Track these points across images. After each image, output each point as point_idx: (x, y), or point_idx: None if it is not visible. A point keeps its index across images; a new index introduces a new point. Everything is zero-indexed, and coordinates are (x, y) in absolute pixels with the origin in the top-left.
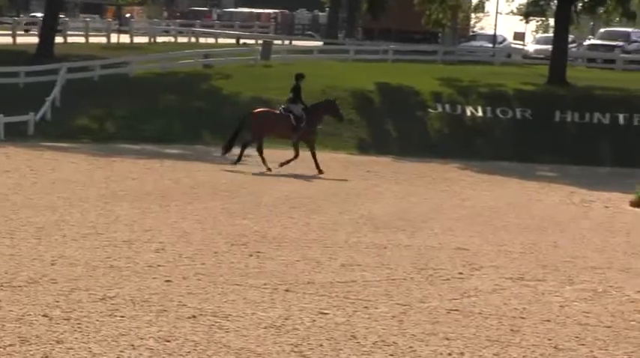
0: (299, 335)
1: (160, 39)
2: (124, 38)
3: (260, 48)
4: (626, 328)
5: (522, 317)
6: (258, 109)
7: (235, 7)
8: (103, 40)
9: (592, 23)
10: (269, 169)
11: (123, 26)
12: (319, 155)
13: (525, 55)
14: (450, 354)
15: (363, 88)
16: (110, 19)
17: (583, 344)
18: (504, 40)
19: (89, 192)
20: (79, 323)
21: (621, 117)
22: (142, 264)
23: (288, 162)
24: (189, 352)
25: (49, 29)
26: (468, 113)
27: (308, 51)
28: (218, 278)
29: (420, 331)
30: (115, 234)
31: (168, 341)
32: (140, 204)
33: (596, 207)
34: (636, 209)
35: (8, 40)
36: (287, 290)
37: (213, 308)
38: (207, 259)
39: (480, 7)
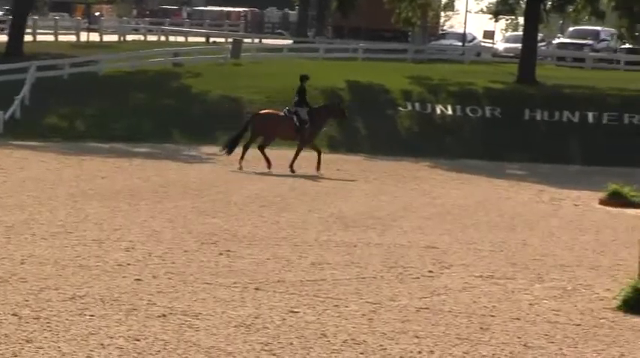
0: (269, 334)
1: (129, 37)
2: (94, 36)
3: (230, 46)
4: (595, 326)
5: (492, 315)
6: (262, 111)
7: (205, 6)
8: (73, 38)
9: (561, 22)
10: (269, 166)
11: (92, 24)
12: (289, 153)
13: (495, 54)
14: (419, 352)
15: (333, 86)
16: (79, 18)
17: (552, 342)
18: (474, 38)
19: (59, 191)
20: (48, 323)
21: (590, 116)
22: (111, 263)
23: (319, 163)
24: (159, 351)
25: (17, 27)
26: (438, 111)
27: (278, 49)
28: (188, 277)
29: (390, 329)
30: (84, 233)
31: (138, 340)
32: (110, 202)
33: (565, 205)
34: (605, 207)
35: None
36: (257, 289)
37: (183, 306)
38: (177, 258)
39: (449, 6)
